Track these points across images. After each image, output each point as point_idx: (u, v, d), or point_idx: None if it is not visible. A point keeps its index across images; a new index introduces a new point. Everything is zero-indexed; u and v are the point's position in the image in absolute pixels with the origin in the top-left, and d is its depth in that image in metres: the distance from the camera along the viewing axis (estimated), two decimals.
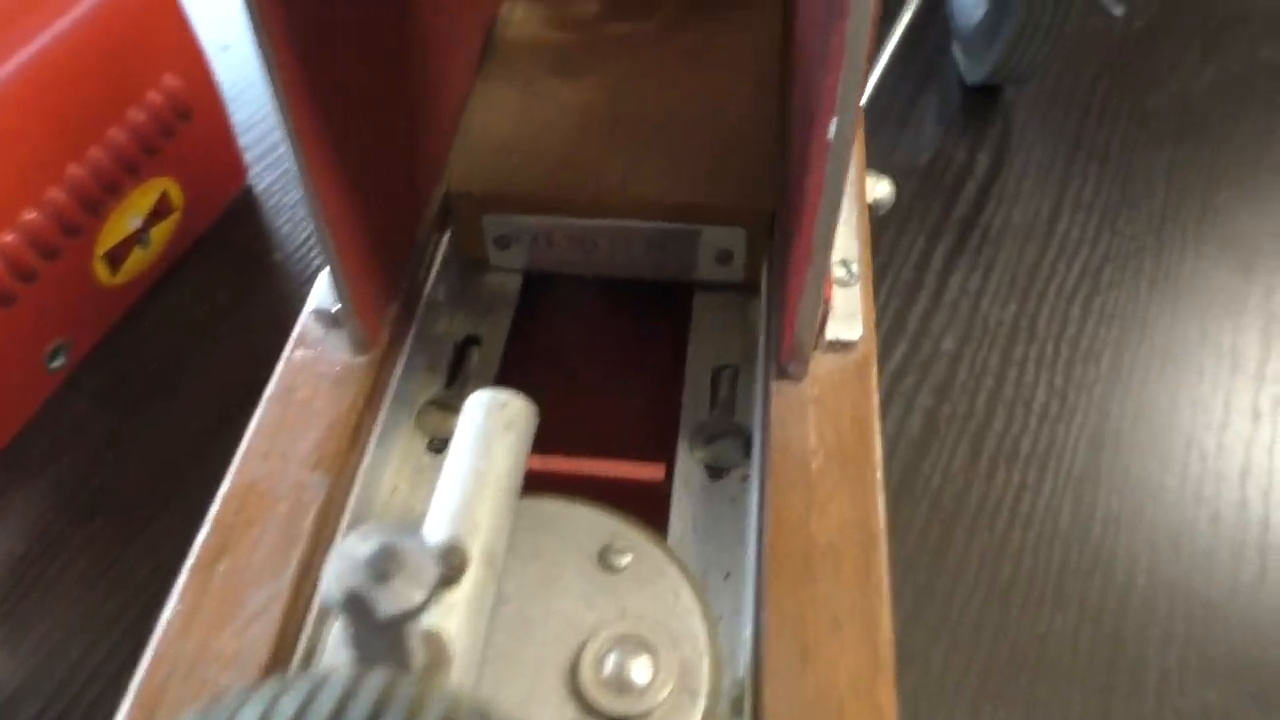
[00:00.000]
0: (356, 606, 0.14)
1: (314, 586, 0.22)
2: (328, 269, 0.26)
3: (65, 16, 0.38)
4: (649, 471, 0.26)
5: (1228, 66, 0.53)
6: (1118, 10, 0.56)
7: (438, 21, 0.29)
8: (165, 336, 0.42)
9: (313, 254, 0.44)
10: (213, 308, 0.43)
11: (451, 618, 0.18)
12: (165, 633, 0.21)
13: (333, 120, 0.22)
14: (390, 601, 0.14)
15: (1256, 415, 0.39)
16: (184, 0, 0.42)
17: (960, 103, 0.51)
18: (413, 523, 0.20)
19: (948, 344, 0.41)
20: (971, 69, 0.49)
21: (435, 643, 0.17)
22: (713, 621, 0.20)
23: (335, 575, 0.15)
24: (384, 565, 0.15)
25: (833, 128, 0.19)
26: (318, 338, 0.26)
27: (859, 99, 0.19)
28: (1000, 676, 0.33)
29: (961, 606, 0.34)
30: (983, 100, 0.51)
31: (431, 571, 0.15)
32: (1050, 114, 0.51)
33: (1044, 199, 0.47)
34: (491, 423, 0.21)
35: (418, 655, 0.16)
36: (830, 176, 0.20)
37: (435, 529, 0.19)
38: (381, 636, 0.15)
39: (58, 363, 0.39)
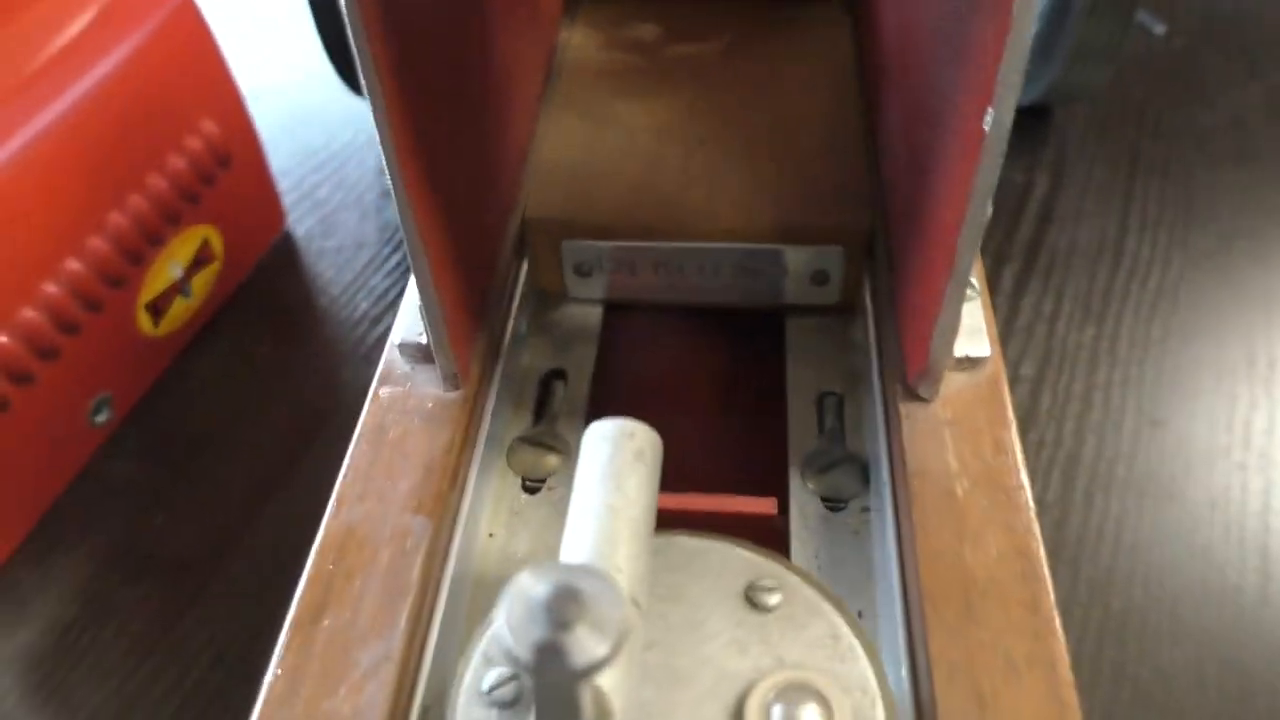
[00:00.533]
0: (548, 658, 0.12)
1: (424, 639, 0.20)
2: (415, 299, 0.24)
3: (103, 63, 0.36)
4: (761, 506, 0.24)
5: (1273, 81, 0.53)
6: (1159, 30, 0.55)
7: (506, 47, 0.28)
8: (210, 389, 0.40)
9: (359, 298, 0.43)
10: (257, 358, 0.41)
11: (605, 672, 0.16)
12: (269, 698, 0.19)
13: (423, 145, 0.21)
14: (581, 652, 0.13)
15: None
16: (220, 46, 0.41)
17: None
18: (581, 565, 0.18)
19: (1027, 370, 0.40)
20: (1023, 90, 0.48)
21: (599, 697, 0.15)
22: (879, 664, 0.19)
23: (515, 622, 0.13)
24: (567, 611, 0.13)
25: (989, 119, 0.18)
26: (405, 374, 0.24)
27: (1020, 84, 0.17)
28: (1127, 718, 0.30)
29: (1076, 646, 0.32)
30: (1034, 121, 0.50)
31: (617, 615, 0.13)
32: (1104, 134, 0.50)
33: (1108, 218, 0.46)
34: (621, 454, 0.19)
35: (588, 713, 0.14)
36: (984, 171, 0.18)
37: None
38: (562, 692, 0.13)
39: (102, 417, 0.37)
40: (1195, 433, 0.38)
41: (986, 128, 0.18)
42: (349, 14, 0.17)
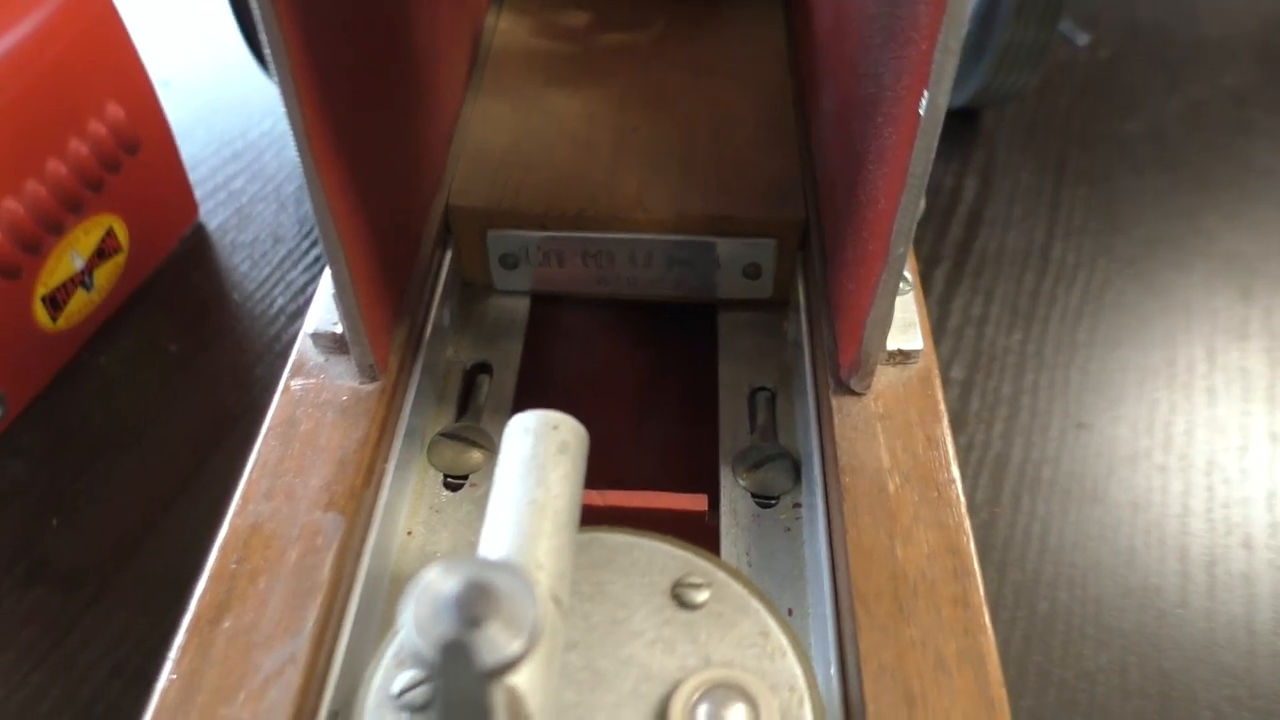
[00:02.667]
0: (454, 657, 0.12)
1: (334, 642, 0.19)
2: (328, 287, 0.23)
3: (0, 40, 0.35)
4: (691, 503, 0.23)
5: (1195, 94, 0.54)
6: (1081, 40, 0.56)
7: (427, 28, 0.27)
8: (113, 388, 0.38)
9: (275, 292, 0.41)
10: (164, 355, 0.39)
11: (522, 671, 0.16)
12: (161, 705, 0.17)
13: (338, 127, 0.20)
14: (491, 651, 0.12)
15: (1275, 437, 0.38)
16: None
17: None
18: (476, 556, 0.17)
19: (957, 372, 0.40)
20: (953, 92, 0.49)
21: (514, 699, 0.15)
22: (809, 663, 0.18)
23: (422, 620, 0.12)
24: (477, 607, 0.12)
25: (924, 102, 0.18)
26: (318, 365, 0.23)
27: (955, 64, 0.17)
28: None
29: (1003, 649, 0.32)
30: (963, 125, 0.51)
31: (531, 613, 0.12)
32: (1031, 139, 0.51)
33: (1036, 223, 0.46)
34: (543, 447, 0.18)
35: (502, 714, 0.14)
36: (918, 155, 0.18)
37: None
38: (474, 692, 0.12)
39: None
40: (1118, 436, 0.38)
41: (922, 111, 0.18)
42: None
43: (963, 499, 0.21)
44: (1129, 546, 0.35)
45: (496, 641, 0.12)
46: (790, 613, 0.22)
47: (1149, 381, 0.40)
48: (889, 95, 0.20)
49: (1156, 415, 0.39)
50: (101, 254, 0.39)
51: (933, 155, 0.18)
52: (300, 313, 0.41)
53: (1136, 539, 0.35)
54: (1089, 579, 0.34)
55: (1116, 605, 0.33)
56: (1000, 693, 0.18)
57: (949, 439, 0.22)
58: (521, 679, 0.15)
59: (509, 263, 0.28)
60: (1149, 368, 0.40)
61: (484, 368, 0.27)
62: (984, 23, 0.45)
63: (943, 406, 0.23)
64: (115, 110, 0.39)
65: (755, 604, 0.19)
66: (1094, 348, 0.41)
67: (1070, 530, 0.35)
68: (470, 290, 0.29)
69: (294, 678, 0.18)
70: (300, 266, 0.43)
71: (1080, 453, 0.38)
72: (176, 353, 0.39)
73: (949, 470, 0.22)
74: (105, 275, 0.39)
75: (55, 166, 0.36)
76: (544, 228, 0.27)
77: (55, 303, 0.37)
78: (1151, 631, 0.33)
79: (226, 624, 0.19)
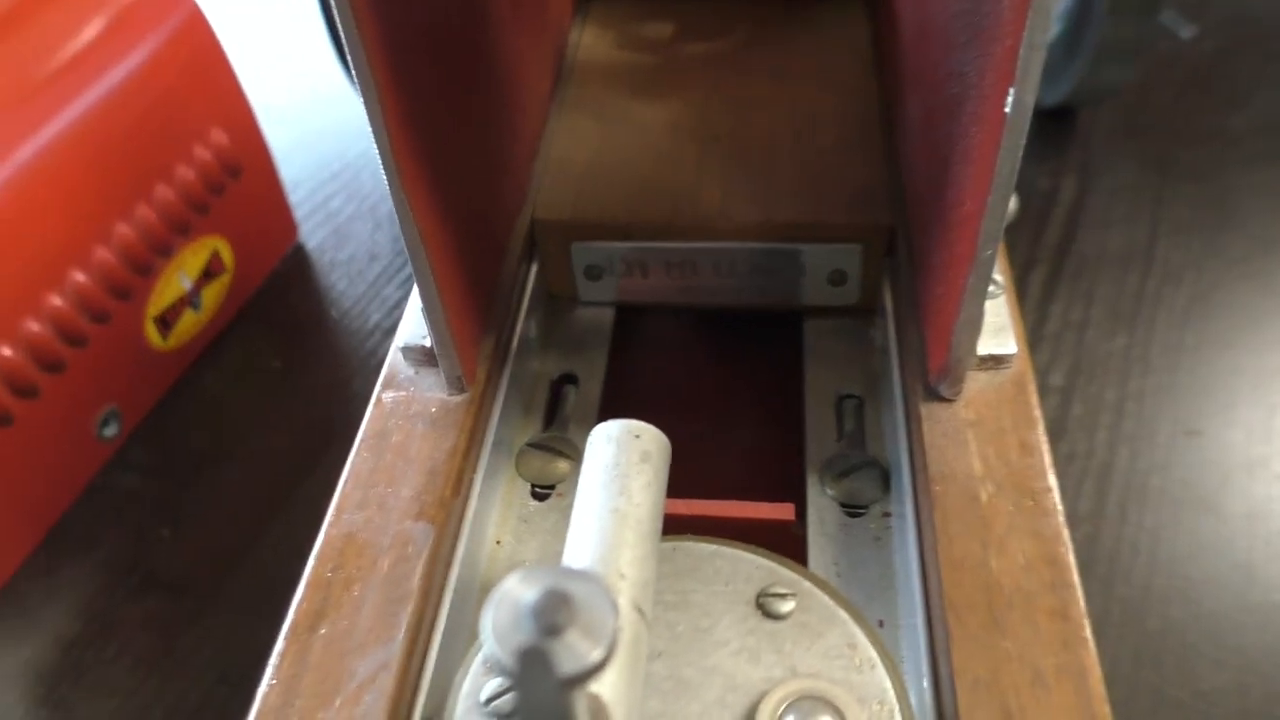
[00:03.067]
0: (532, 665, 0.12)
1: (425, 649, 0.20)
2: (417, 302, 0.24)
3: (111, 72, 0.36)
4: (778, 512, 0.23)
5: None
6: (1185, 33, 0.54)
7: (511, 45, 0.28)
8: (219, 404, 0.40)
9: (370, 308, 0.43)
10: (267, 372, 0.41)
11: (604, 680, 0.16)
12: (262, 709, 0.18)
13: (425, 145, 0.21)
14: (570, 659, 0.12)
15: None
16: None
17: (1034, 127, 0.49)
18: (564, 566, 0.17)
19: (1056, 379, 0.39)
20: (1047, 90, 0.48)
21: (597, 708, 0.15)
22: (899, 675, 0.18)
23: (500, 628, 0.12)
24: (556, 615, 0.12)
25: (1010, 99, 0.17)
26: (408, 378, 0.24)
27: (1041, 59, 0.17)
28: None
29: (1110, 668, 0.31)
30: (1059, 125, 0.49)
31: (610, 621, 0.12)
32: (1131, 137, 0.49)
33: (1138, 223, 0.45)
34: (626, 457, 0.18)
35: None
36: (1005, 154, 0.18)
37: None
38: (552, 700, 0.12)
39: (110, 431, 0.37)
40: (1232, 442, 0.36)
41: (1008, 109, 0.17)
42: (339, 6, 0.17)
43: (1060, 508, 0.20)
44: (1247, 560, 0.33)
45: (576, 650, 0.12)
46: (881, 624, 0.22)
47: (1265, 385, 0.38)
48: (974, 94, 0.20)
49: (1274, 421, 0.37)
50: (208, 274, 0.40)
51: (1020, 155, 0.18)
52: (395, 328, 0.42)
53: (1255, 552, 0.33)
54: (1204, 594, 0.32)
55: (1235, 622, 0.32)
56: (1103, 709, 0.18)
57: (1045, 446, 0.21)
58: (605, 687, 0.15)
59: (593, 274, 0.28)
60: (1265, 370, 0.38)
61: (570, 378, 0.28)
62: (1079, 17, 0.44)
63: (1038, 412, 0.22)
64: (219, 136, 0.40)
65: (842, 614, 0.18)
66: (1203, 350, 0.39)
67: (1183, 542, 0.34)
68: (556, 302, 0.29)
69: (387, 684, 0.18)
70: (395, 283, 0.44)
71: (1191, 460, 0.36)
72: (278, 369, 0.41)
73: (1045, 478, 0.21)
74: (212, 295, 0.41)
75: (163, 191, 0.38)
76: (628, 239, 0.27)
77: (165, 323, 0.39)
78: (1273, 650, 0.31)
79: (323, 630, 0.19)
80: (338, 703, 0.18)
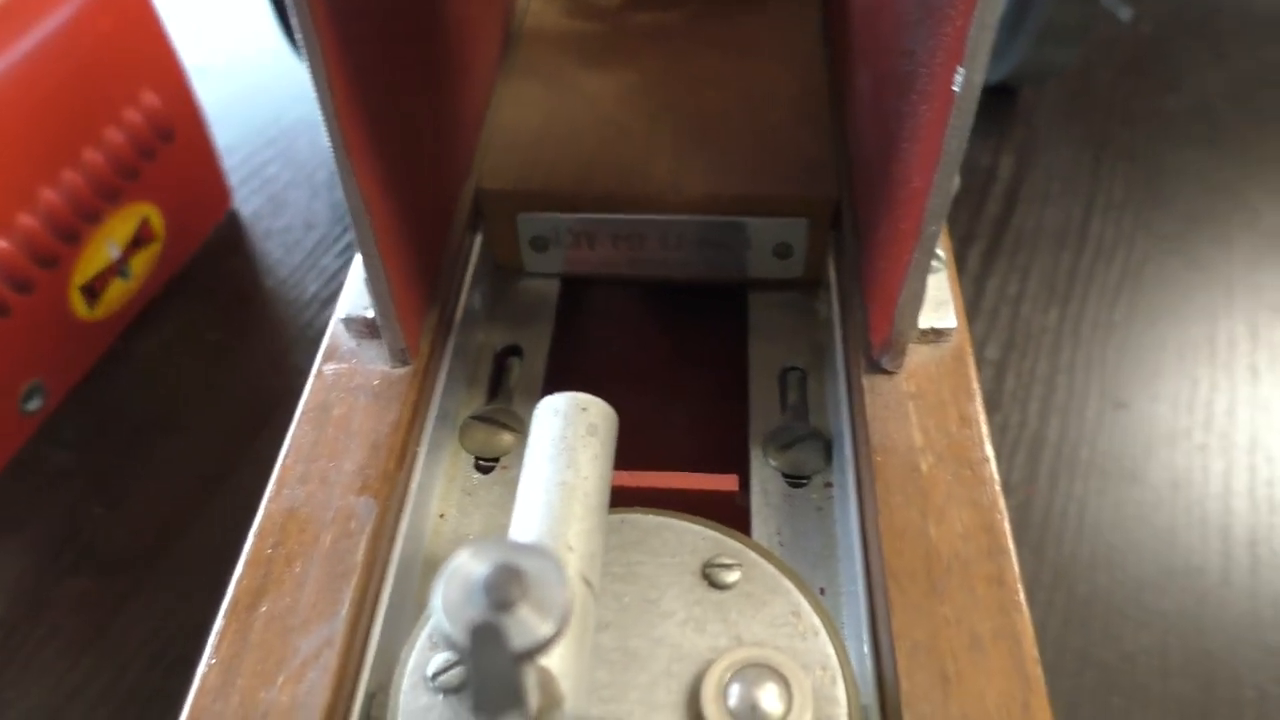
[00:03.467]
0: (485, 640, 0.12)
1: (369, 625, 0.20)
2: (359, 272, 0.24)
3: (34, 31, 0.35)
4: (722, 483, 0.23)
5: (1239, 66, 0.53)
6: (1125, 14, 0.55)
7: (462, 9, 0.27)
8: (152, 375, 0.39)
9: (308, 279, 0.42)
10: (202, 343, 0.40)
11: (553, 653, 0.16)
12: (201, 689, 0.18)
13: (370, 108, 0.20)
14: (521, 633, 0.12)
15: None
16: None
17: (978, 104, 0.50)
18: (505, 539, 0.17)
19: (992, 352, 0.40)
20: (990, 68, 0.48)
21: (546, 680, 0.15)
22: (841, 641, 0.18)
23: (452, 603, 0.12)
24: (507, 590, 0.12)
25: (959, 78, 0.17)
26: (350, 350, 0.23)
27: (991, 40, 0.17)
28: (1092, 704, 0.30)
29: (1040, 631, 0.32)
30: (1001, 102, 0.50)
31: (561, 596, 0.12)
32: (1072, 116, 0.50)
33: (1074, 200, 0.46)
34: (573, 430, 0.18)
35: (534, 695, 0.14)
36: (953, 133, 0.18)
37: None
38: (505, 674, 0.12)
39: (33, 405, 0.36)
40: (1157, 414, 0.38)
41: (957, 88, 0.17)
42: None
43: (997, 478, 0.21)
44: (1169, 526, 0.34)
45: (527, 624, 0.12)
46: (823, 592, 0.22)
47: (1189, 359, 0.39)
48: (924, 72, 0.20)
49: (1197, 393, 0.38)
50: (138, 242, 0.39)
51: (968, 133, 0.18)
52: (333, 299, 0.41)
53: (1177, 519, 0.35)
54: (1128, 560, 0.34)
55: (1157, 586, 0.33)
56: (1036, 670, 0.18)
57: (983, 417, 0.22)
58: (553, 660, 0.16)
59: (540, 245, 0.28)
60: (1189, 344, 0.40)
61: (515, 350, 0.27)
62: None
63: (976, 385, 0.22)
64: (150, 98, 0.39)
65: (787, 583, 0.19)
66: (1132, 325, 0.41)
67: (1109, 511, 0.35)
68: (501, 273, 0.29)
69: (331, 660, 0.18)
70: (333, 252, 0.43)
71: (1118, 432, 0.37)
72: (214, 340, 0.40)
73: (983, 449, 0.21)
74: (142, 263, 0.40)
75: (91, 155, 0.37)
76: (575, 210, 0.27)
77: (92, 292, 0.38)
78: (1193, 612, 0.32)
79: (264, 608, 0.19)
80: (280, 680, 0.18)
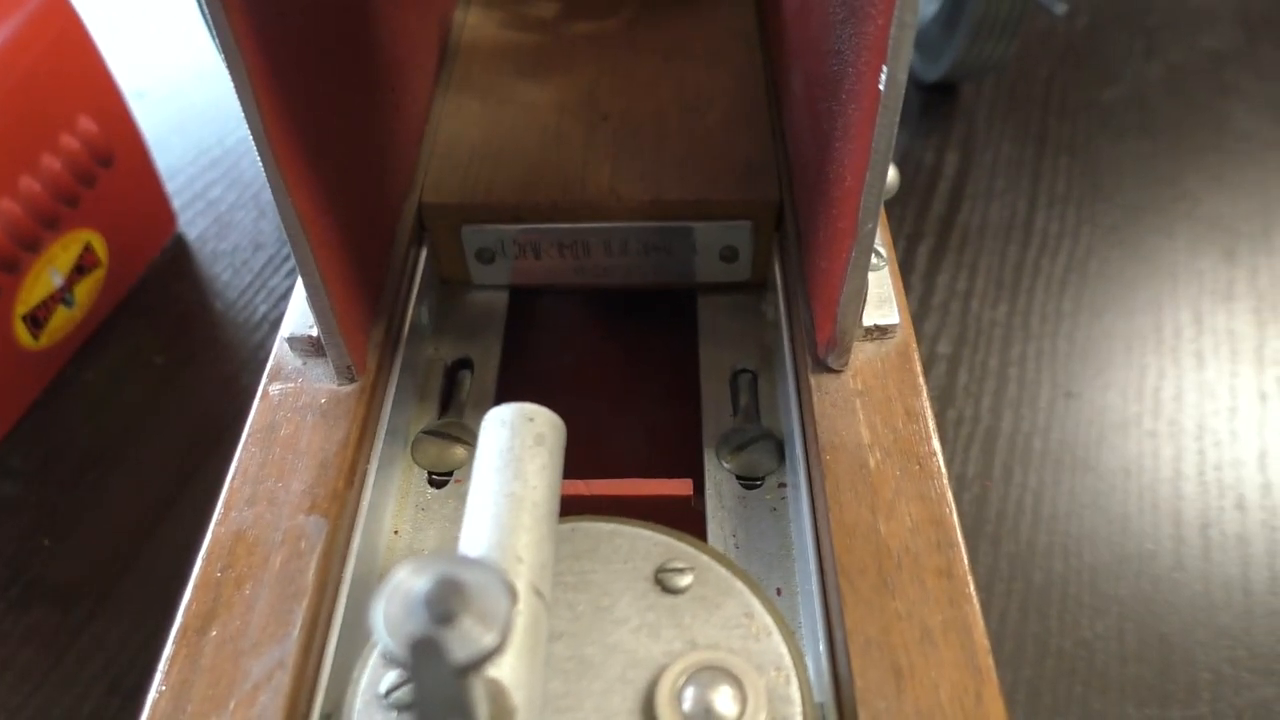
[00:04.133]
0: (425, 654, 0.12)
1: (322, 645, 0.19)
2: (302, 291, 0.23)
3: None
4: (676, 488, 0.23)
5: (1173, 58, 0.54)
6: (1059, 9, 0.56)
7: (392, 25, 0.27)
8: (99, 404, 0.38)
9: (257, 300, 0.41)
10: (149, 368, 0.39)
11: (504, 664, 0.16)
12: (152, 717, 0.18)
13: (301, 127, 0.20)
14: (463, 646, 0.12)
15: (1264, 397, 0.39)
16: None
17: (919, 102, 0.50)
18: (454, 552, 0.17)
19: (943, 347, 0.40)
20: (928, 66, 0.49)
21: (498, 692, 0.15)
22: (795, 641, 0.18)
23: (392, 619, 0.12)
24: (447, 603, 0.12)
25: (883, 77, 0.18)
26: (295, 369, 0.23)
27: (911, 38, 0.17)
28: (1051, 691, 0.31)
29: (999, 621, 0.32)
30: (942, 99, 0.51)
31: (504, 606, 0.12)
32: (1011, 111, 0.51)
33: (1019, 195, 0.46)
34: (520, 440, 0.18)
35: (482, 708, 0.14)
36: (881, 130, 0.18)
37: None
38: (448, 688, 0.12)
39: None
40: (1108, 403, 0.38)
41: (882, 86, 0.18)
42: None
43: (944, 471, 0.21)
44: (1122, 513, 0.35)
45: (469, 636, 0.12)
46: (779, 592, 0.22)
47: (1136, 347, 0.40)
48: (851, 72, 0.20)
49: (1145, 381, 0.39)
50: (81, 269, 0.39)
51: (895, 130, 0.18)
52: (281, 320, 0.41)
53: (1130, 505, 0.35)
54: (1083, 547, 0.34)
55: (1112, 572, 0.34)
56: (987, 661, 0.19)
57: (929, 412, 0.22)
58: (504, 672, 0.16)
59: (485, 257, 0.28)
60: (1136, 334, 0.40)
61: (465, 364, 0.27)
62: None
63: (921, 380, 0.23)
64: (87, 123, 0.39)
65: (739, 586, 0.19)
66: (1080, 316, 0.41)
67: (1063, 500, 0.35)
68: (448, 287, 0.29)
69: (283, 682, 0.18)
70: (281, 273, 0.43)
71: (1070, 422, 0.38)
72: (161, 365, 0.39)
73: (929, 443, 0.22)
74: (85, 291, 0.39)
75: (28, 183, 0.36)
76: (518, 220, 0.27)
77: (36, 321, 0.37)
78: (1148, 597, 0.33)
79: (214, 632, 0.19)
80: (232, 705, 0.18)
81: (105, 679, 0.31)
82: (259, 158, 0.19)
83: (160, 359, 0.40)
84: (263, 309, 0.41)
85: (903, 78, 0.18)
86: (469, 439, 0.25)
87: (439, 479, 0.25)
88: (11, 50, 0.36)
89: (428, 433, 0.25)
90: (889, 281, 0.24)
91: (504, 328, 0.28)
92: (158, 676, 0.18)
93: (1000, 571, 0.34)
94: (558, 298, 0.30)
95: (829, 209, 0.22)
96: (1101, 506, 0.35)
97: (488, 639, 0.12)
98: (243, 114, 0.18)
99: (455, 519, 0.24)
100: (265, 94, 0.18)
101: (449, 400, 0.26)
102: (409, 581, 0.12)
